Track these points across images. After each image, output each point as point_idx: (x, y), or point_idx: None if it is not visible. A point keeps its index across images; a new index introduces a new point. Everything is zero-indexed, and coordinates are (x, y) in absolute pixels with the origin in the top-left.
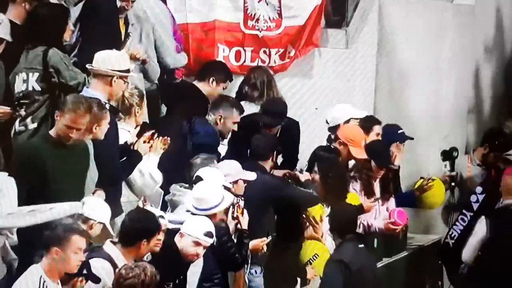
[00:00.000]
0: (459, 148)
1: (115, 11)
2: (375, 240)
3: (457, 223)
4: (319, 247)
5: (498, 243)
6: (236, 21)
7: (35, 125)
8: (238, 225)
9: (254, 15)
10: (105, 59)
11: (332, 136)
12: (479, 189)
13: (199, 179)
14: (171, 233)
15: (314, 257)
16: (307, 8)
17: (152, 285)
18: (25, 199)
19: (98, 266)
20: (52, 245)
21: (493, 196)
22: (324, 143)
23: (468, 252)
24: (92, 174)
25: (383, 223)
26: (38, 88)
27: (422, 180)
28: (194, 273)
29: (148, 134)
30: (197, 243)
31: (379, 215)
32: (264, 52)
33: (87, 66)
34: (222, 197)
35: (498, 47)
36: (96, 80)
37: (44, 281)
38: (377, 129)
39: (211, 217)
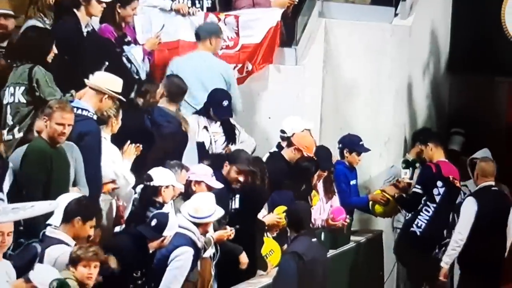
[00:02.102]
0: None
1: (79, 41)
2: (322, 234)
3: (421, 213)
4: (274, 244)
5: (487, 217)
6: None
7: (21, 134)
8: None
9: None
10: (103, 79)
11: (283, 143)
12: (439, 183)
13: (149, 177)
14: (137, 223)
15: (270, 252)
16: (262, 29)
17: (102, 264)
18: (32, 197)
19: (59, 252)
20: None
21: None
22: (274, 148)
23: (462, 232)
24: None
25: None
26: (23, 100)
27: (380, 192)
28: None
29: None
30: None
31: (323, 211)
32: None
33: (85, 81)
34: (214, 210)
35: (432, 64)
36: (89, 94)
37: None
38: None
39: (202, 226)
